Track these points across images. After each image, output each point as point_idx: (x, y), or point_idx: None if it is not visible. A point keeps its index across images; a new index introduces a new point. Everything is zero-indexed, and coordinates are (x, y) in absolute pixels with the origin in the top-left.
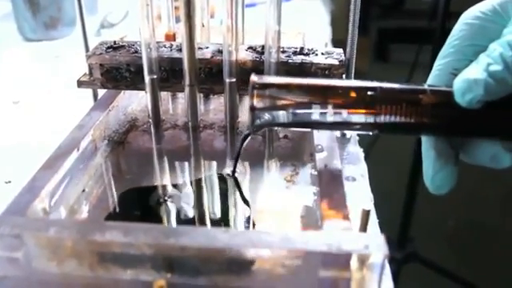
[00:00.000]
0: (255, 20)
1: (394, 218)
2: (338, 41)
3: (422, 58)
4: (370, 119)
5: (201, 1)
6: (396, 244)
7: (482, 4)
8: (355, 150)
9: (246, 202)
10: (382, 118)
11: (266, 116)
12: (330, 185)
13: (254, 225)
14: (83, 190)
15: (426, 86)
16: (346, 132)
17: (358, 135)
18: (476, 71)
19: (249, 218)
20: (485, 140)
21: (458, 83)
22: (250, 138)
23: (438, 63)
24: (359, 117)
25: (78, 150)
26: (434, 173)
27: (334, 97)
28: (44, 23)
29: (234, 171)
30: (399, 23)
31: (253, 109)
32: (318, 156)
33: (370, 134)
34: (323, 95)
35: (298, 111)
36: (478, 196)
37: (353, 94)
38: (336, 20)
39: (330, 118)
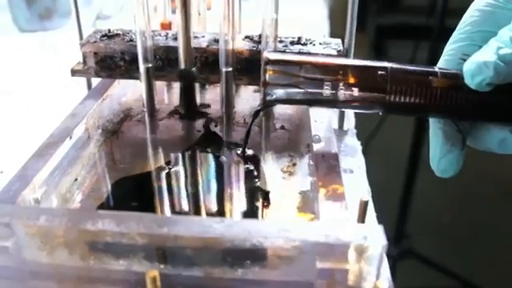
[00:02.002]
0: (254, 12)
1: (390, 214)
2: (337, 35)
3: (419, 54)
4: (380, 98)
5: None
6: (392, 240)
7: None
8: (353, 143)
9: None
10: (391, 98)
11: (278, 92)
12: (328, 175)
13: (251, 214)
14: (75, 179)
15: (436, 69)
16: (344, 124)
17: (356, 128)
18: (486, 54)
19: (249, 207)
20: (493, 124)
21: (469, 65)
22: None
23: (448, 48)
24: (370, 95)
25: (71, 138)
26: (440, 156)
27: (346, 75)
28: (39, 14)
29: (243, 151)
30: (397, 20)
31: (265, 84)
32: (316, 146)
33: (380, 113)
34: (335, 73)
35: (310, 89)
36: (474, 192)
37: (364, 73)
38: (334, 14)
39: (341, 96)
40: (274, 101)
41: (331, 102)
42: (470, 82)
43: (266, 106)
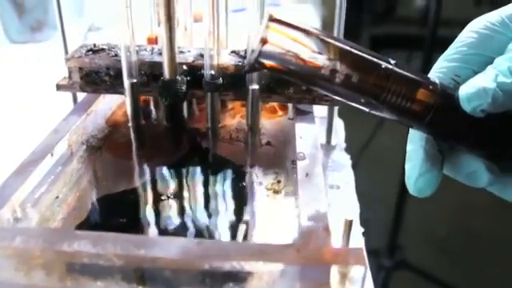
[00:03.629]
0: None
1: (383, 225)
2: None
3: (413, 64)
4: (377, 93)
5: (183, 3)
6: (386, 251)
7: (490, 15)
8: (341, 158)
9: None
10: (388, 96)
11: (274, 54)
12: (311, 194)
13: (234, 235)
14: (57, 197)
15: (437, 81)
16: (332, 139)
17: (346, 142)
18: (485, 80)
19: (231, 227)
20: (470, 152)
21: (466, 89)
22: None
23: (441, 65)
24: (368, 87)
25: (52, 155)
26: (419, 174)
27: (349, 57)
28: (30, 26)
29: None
30: (391, 30)
31: (264, 42)
32: (300, 164)
33: (369, 111)
34: (339, 53)
35: (309, 61)
36: (468, 202)
37: (368, 62)
38: (327, 26)
39: (338, 79)
40: (266, 64)
41: (326, 84)
42: (466, 105)
43: (256, 68)
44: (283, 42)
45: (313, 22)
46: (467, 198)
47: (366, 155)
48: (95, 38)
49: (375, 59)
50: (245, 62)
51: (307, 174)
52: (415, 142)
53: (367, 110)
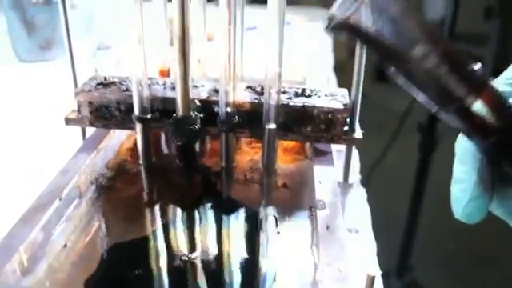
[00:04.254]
0: (256, 43)
1: (393, 245)
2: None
3: None
4: (457, 94)
5: (196, 31)
6: (395, 273)
7: None
8: (358, 196)
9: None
10: (465, 101)
11: (365, 17)
12: (334, 253)
13: None
14: (65, 245)
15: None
16: (349, 177)
17: (359, 156)
18: None
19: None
20: None
21: None
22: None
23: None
24: (453, 84)
25: (61, 199)
26: (469, 199)
27: (447, 48)
28: (39, 44)
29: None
30: None
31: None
32: (320, 214)
33: (434, 111)
34: (437, 40)
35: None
36: (479, 223)
37: (463, 61)
38: (338, 44)
39: (427, 64)
40: (354, 25)
41: (411, 64)
42: None
43: (342, 27)
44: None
45: (324, 40)
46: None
47: (376, 175)
48: (104, 56)
49: (468, 60)
50: (261, 99)
51: (328, 227)
52: (467, 162)
53: (431, 107)
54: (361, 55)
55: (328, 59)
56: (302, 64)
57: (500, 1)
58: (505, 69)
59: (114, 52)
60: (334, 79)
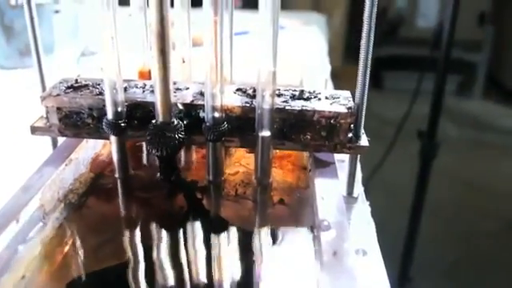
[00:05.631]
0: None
1: (393, 256)
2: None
3: (409, 85)
4: None
5: (182, 30)
6: (395, 285)
7: None
8: (364, 211)
9: None
10: None
11: None
12: (339, 277)
13: None
14: (23, 277)
15: None
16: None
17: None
18: None
19: None
20: None
21: None
22: None
23: None
24: None
25: (18, 221)
26: None
27: None
28: (18, 50)
29: None
30: (394, 51)
31: None
32: (324, 237)
33: None
34: None
35: None
36: (478, 229)
37: None
38: (332, 47)
39: None
40: None
41: None
42: None
43: None
44: None
45: (318, 43)
46: (477, 223)
47: (374, 184)
48: (89, 62)
49: None
50: (253, 102)
51: (335, 253)
52: None
53: None
54: (367, 49)
55: (325, 62)
56: (298, 66)
57: (494, 7)
58: (499, 75)
59: (98, 58)
60: (331, 84)
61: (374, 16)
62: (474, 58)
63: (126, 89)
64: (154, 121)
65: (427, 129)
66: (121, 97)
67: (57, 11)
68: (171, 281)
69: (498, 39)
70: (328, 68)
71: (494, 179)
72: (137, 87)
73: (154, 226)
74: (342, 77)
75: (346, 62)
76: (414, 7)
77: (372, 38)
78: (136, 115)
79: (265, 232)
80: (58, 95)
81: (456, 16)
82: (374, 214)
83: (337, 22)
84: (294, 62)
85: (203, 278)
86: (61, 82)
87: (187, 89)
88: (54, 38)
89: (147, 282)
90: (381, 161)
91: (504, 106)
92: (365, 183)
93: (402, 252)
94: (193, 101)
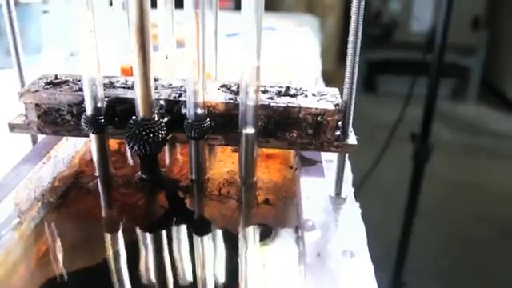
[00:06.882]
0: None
1: (386, 261)
2: (329, 73)
3: (402, 88)
4: None
5: (165, 26)
6: None
7: None
8: (352, 212)
9: None
10: None
11: None
12: (322, 279)
13: None
14: None
15: None
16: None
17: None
18: None
19: None
20: None
21: None
22: None
23: None
24: None
25: None
26: None
27: None
28: (5, 50)
29: None
30: (388, 55)
31: None
32: (308, 237)
33: None
34: None
35: None
36: (472, 233)
37: None
38: (325, 49)
39: None
40: None
41: None
42: None
43: None
44: None
45: (311, 45)
46: (471, 228)
47: (366, 187)
48: (77, 63)
49: None
50: (237, 99)
51: (319, 254)
52: None
53: None
54: (355, 41)
55: (316, 63)
56: (287, 65)
57: (487, 12)
58: (493, 79)
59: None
60: (321, 84)
61: (362, 8)
62: (468, 63)
63: (106, 85)
64: (134, 117)
65: (420, 132)
66: (100, 92)
67: (45, 11)
68: (150, 282)
69: (492, 43)
70: (319, 68)
71: (487, 183)
72: (118, 83)
73: (133, 227)
74: (335, 80)
75: (339, 66)
76: (408, 11)
77: (360, 32)
78: (116, 111)
79: (249, 232)
80: (36, 91)
81: (449, 20)
82: (366, 218)
83: (331, 26)
84: (283, 63)
85: (185, 280)
86: (40, 78)
87: (170, 85)
88: (42, 38)
89: (125, 282)
90: (374, 164)
91: (498, 111)
92: (358, 186)
93: (395, 257)
94: (175, 97)
